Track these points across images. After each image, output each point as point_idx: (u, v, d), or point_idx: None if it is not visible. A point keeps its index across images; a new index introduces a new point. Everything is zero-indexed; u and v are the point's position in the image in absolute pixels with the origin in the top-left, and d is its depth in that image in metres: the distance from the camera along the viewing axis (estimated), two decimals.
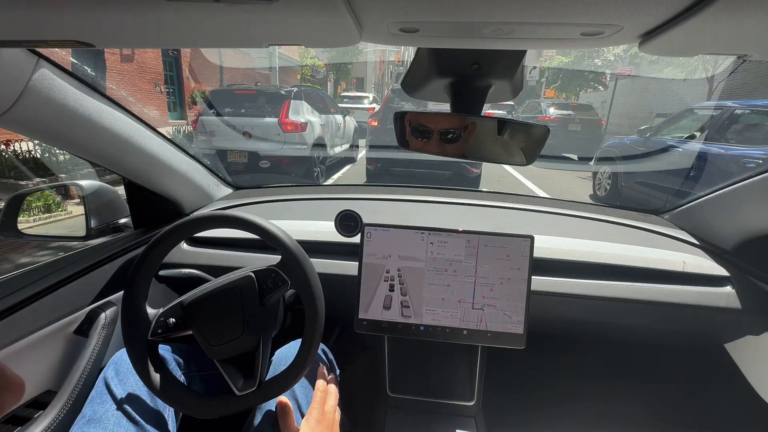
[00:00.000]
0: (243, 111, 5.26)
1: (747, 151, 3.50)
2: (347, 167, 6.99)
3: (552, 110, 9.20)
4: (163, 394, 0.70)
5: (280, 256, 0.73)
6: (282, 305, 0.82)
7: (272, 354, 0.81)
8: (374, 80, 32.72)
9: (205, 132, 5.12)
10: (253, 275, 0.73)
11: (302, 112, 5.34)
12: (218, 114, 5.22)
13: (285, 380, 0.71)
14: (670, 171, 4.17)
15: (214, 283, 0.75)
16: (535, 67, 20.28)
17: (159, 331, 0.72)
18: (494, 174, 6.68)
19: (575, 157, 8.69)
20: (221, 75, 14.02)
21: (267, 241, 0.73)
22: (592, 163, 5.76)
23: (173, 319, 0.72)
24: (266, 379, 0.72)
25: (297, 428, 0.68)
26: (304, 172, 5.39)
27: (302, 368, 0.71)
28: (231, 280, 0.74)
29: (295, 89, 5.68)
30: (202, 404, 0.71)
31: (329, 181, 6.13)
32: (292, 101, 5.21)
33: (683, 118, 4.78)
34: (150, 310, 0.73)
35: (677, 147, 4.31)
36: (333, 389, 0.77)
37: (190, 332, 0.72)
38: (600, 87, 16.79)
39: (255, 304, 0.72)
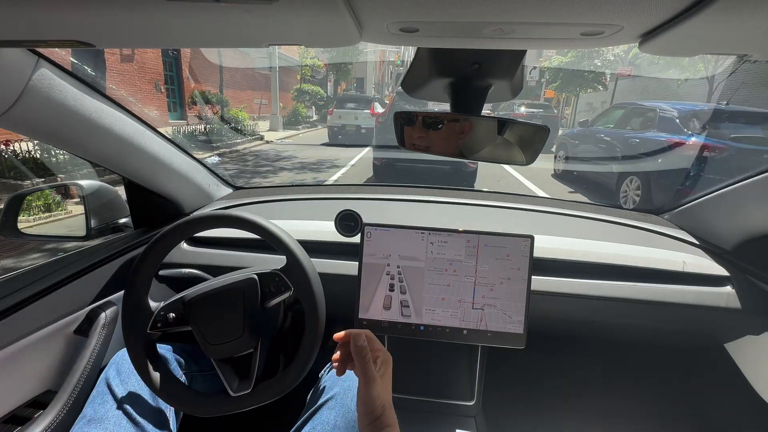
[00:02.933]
0: (352, 106, 10.85)
1: (633, 134, 5.41)
2: None
3: (523, 108, 11.94)
4: (161, 391, 0.70)
5: (280, 257, 0.73)
6: (282, 307, 0.82)
7: (270, 356, 0.81)
8: (374, 80, 32.71)
9: (337, 116, 10.82)
10: (256, 278, 0.73)
11: (377, 108, 10.62)
12: (341, 107, 11.01)
13: (280, 384, 0.71)
14: (600, 149, 6.13)
15: (217, 281, 0.75)
16: (535, 67, 20.28)
17: (158, 324, 0.72)
18: (494, 174, 6.68)
19: None
20: (221, 75, 14.00)
21: (269, 242, 0.73)
22: (553, 149, 7.77)
23: (173, 314, 0.72)
24: (262, 382, 0.72)
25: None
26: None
27: (299, 374, 0.71)
28: (234, 280, 0.73)
29: (375, 96, 12.65)
30: (199, 403, 0.71)
31: None
32: (374, 102, 11.20)
33: (609, 113, 6.70)
34: (151, 303, 0.73)
35: (602, 134, 6.20)
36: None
37: (189, 329, 0.72)
38: (600, 87, 16.77)
39: (256, 306, 0.72)
